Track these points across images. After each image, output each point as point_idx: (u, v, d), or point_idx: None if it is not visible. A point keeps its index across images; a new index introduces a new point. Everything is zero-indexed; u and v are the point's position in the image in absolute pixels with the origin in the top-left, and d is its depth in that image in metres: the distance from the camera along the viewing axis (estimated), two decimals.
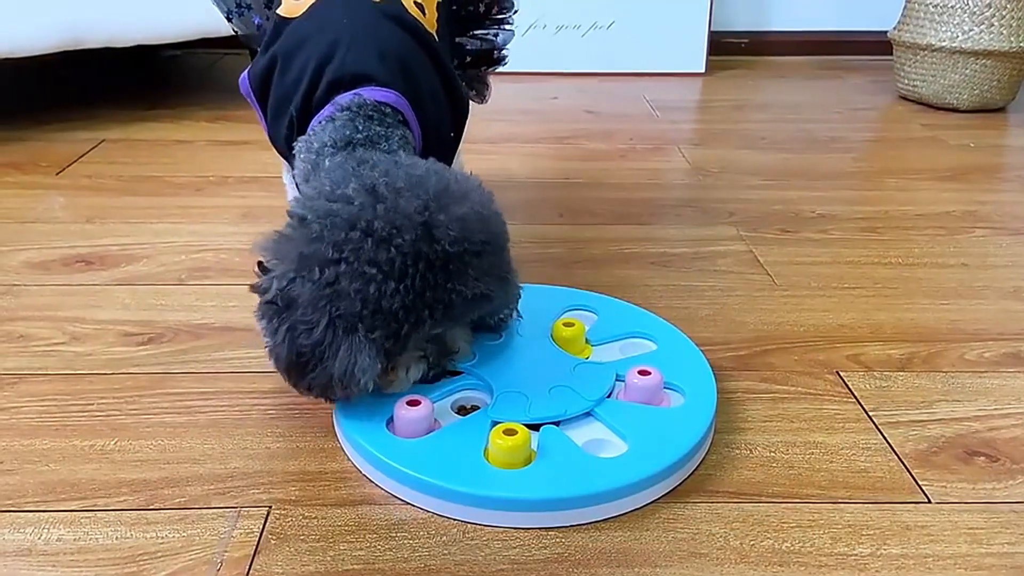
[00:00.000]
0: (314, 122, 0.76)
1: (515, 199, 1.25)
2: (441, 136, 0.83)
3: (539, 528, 0.60)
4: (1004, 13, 1.71)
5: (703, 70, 2.16)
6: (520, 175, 1.37)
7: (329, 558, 0.57)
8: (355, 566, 0.56)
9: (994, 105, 1.81)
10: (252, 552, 0.57)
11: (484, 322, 0.73)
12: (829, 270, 1.03)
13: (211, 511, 0.61)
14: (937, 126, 1.71)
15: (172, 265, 1.01)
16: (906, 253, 1.08)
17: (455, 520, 0.60)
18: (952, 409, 0.75)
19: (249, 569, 0.56)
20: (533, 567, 0.56)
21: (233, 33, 1.00)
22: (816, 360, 0.82)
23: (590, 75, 2.13)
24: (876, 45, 2.22)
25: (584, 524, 0.60)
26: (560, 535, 0.59)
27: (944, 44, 1.75)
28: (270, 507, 0.61)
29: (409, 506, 0.62)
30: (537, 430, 0.65)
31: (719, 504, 0.63)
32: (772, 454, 0.68)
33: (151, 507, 0.61)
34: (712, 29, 2.15)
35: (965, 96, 1.79)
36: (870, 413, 0.74)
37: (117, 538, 0.58)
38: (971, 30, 1.72)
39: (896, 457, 0.68)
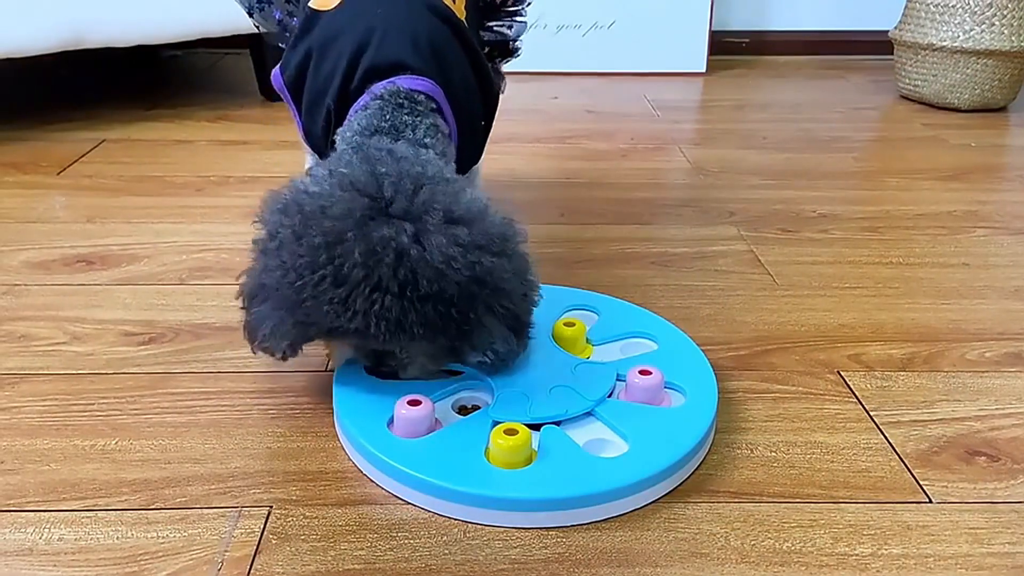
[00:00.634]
0: (351, 112, 0.76)
1: (516, 199, 1.25)
2: (474, 125, 0.83)
3: (540, 528, 0.60)
4: (1005, 13, 1.70)
5: (704, 70, 2.16)
6: (521, 175, 1.37)
7: (330, 558, 0.57)
8: (356, 566, 0.56)
9: (995, 105, 1.81)
10: (253, 552, 0.57)
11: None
12: (830, 270, 1.03)
13: (212, 511, 0.61)
14: (938, 126, 1.70)
15: (173, 265, 1.01)
16: (907, 253, 1.08)
17: (456, 520, 0.60)
18: (953, 409, 0.75)
19: (250, 569, 0.56)
20: (534, 567, 0.56)
21: (255, 29, 1.00)
22: (817, 360, 0.82)
23: (591, 75, 2.13)
24: (877, 45, 2.22)
25: (585, 524, 0.60)
26: (561, 535, 0.59)
27: (945, 44, 1.75)
28: (271, 507, 0.61)
29: (410, 506, 0.62)
30: (538, 430, 0.65)
31: (720, 504, 0.63)
32: (773, 454, 0.68)
33: (152, 507, 0.61)
34: (713, 29, 2.15)
35: (966, 96, 1.78)
36: (871, 413, 0.74)
37: (118, 538, 0.58)
38: (972, 30, 1.72)
39: (897, 457, 0.68)
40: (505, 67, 1.01)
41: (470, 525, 0.60)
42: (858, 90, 2.03)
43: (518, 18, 0.97)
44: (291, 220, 0.62)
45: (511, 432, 0.62)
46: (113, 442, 0.69)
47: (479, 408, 0.69)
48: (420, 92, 0.75)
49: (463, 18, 0.85)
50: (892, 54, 1.94)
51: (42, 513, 0.61)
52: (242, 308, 0.68)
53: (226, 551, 0.57)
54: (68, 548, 0.57)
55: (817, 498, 0.63)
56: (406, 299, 0.60)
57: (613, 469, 0.62)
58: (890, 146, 1.60)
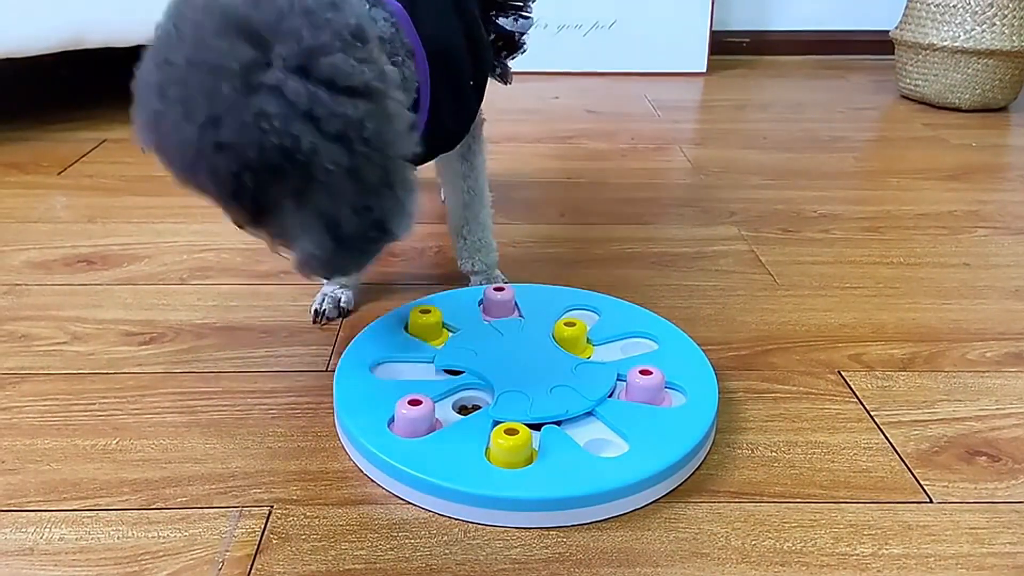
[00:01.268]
0: None
1: (517, 199, 1.25)
2: (461, 84, 0.76)
3: (541, 528, 0.60)
4: (1006, 13, 1.70)
5: (704, 70, 2.16)
6: (522, 175, 1.37)
7: (331, 557, 0.57)
8: (356, 565, 0.56)
9: (996, 105, 1.81)
10: (254, 551, 0.57)
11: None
12: (831, 270, 1.03)
13: (213, 511, 0.61)
14: (939, 126, 1.70)
15: (174, 265, 1.01)
16: (908, 253, 1.08)
17: (456, 520, 0.60)
18: (954, 409, 0.75)
19: (251, 568, 0.56)
20: (534, 567, 0.56)
21: None
22: (818, 360, 0.82)
23: (591, 75, 2.13)
24: (878, 44, 2.22)
25: (586, 524, 0.60)
26: (562, 534, 0.59)
27: (946, 44, 1.75)
28: (272, 507, 0.61)
29: (410, 506, 0.62)
30: (538, 430, 0.65)
31: (721, 504, 0.63)
32: (773, 454, 0.68)
33: (153, 506, 0.61)
34: (713, 29, 2.15)
35: (967, 96, 1.78)
36: (872, 413, 0.74)
37: (119, 537, 0.58)
38: (973, 30, 1.72)
39: (898, 457, 0.68)
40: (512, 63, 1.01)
41: (471, 525, 0.60)
42: (859, 90, 2.03)
43: (524, 13, 0.97)
44: (168, 38, 0.56)
45: (512, 432, 0.62)
46: (114, 442, 0.69)
47: (479, 408, 0.69)
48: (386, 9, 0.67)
49: None
50: (893, 54, 1.94)
51: (43, 513, 0.61)
52: None
53: (227, 551, 0.57)
54: (69, 548, 0.57)
55: (818, 498, 0.63)
56: (203, 141, 0.53)
57: (613, 469, 0.62)
58: (891, 146, 1.60)
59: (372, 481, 0.64)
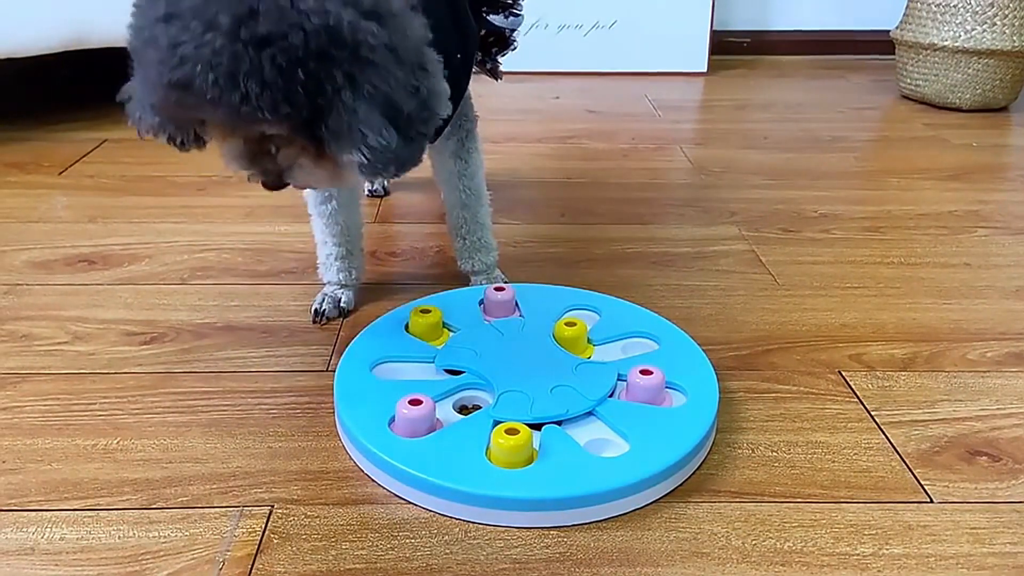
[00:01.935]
0: None
1: (517, 199, 1.25)
2: (449, 55, 0.71)
3: (541, 527, 0.60)
4: (1007, 12, 1.70)
5: (705, 69, 2.16)
6: (522, 175, 1.37)
7: (331, 557, 0.57)
8: (357, 565, 0.56)
9: (996, 104, 1.81)
10: (254, 551, 0.57)
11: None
12: (831, 270, 1.03)
13: (213, 510, 0.61)
14: (939, 125, 1.70)
15: (174, 265, 1.01)
16: (908, 253, 1.08)
17: (457, 519, 0.60)
18: (954, 409, 0.75)
19: (251, 568, 0.56)
20: (535, 566, 0.56)
21: None
22: (818, 360, 0.82)
23: (592, 74, 2.13)
24: (878, 44, 2.22)
25: (586, 523, 0.60)
26: (562, 534, 0.59)
27: (946, 43, 1.75)
28: (272, 506, 0.62)
29: (411, 505, 0.62)
30: (539, 429, 0.65)
31: (721, 504, 0.63)
32: (774, 454, 0.68)
33: (154, 506, 0.61)
34: (714, 28, 2.15)
35: (967, 96, 1.78)
36: (872, 413, 0.74)
37: (120, 537, 0.58)
38: (973, 29, 1.72)
39: (898, 457, 0.68)
40: (504, 66, 1.01)
41: (471, 524, 0.60)
42: (859, 90, 2.03)
43: (514, 10, 0.97)
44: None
45: (512, 432, 0.62)
46: (115, 442, 0.69)
47: (480, 408, 0.69)
48: None
49: None
50: (893, 54, 1.94)
51: (44, 512, 0.61)
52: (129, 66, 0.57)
53: (227, 550, 0.57)
54: (70, 547, 0.58)
55: (818, 498, 0.63)
56: (240, 42, 0.49)
57: (614, 469, 0.62)
58: (891, 146, 1.60)
59: (372, 481, 0.64)
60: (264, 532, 0.59)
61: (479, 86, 0.93)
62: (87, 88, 1.89)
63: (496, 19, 0.95)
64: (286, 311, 0.90)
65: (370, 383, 0.71)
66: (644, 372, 0.70)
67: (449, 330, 0.80)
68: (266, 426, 0.71)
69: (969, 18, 1.73)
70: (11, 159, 1.39)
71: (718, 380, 0.73)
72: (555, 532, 0.59)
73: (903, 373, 0.80)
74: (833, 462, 0.67)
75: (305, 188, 0.61)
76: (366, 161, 0.56)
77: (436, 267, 1.02)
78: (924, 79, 1.83)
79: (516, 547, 0.58)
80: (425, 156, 0.64)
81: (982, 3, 1.71)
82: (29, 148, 1.45)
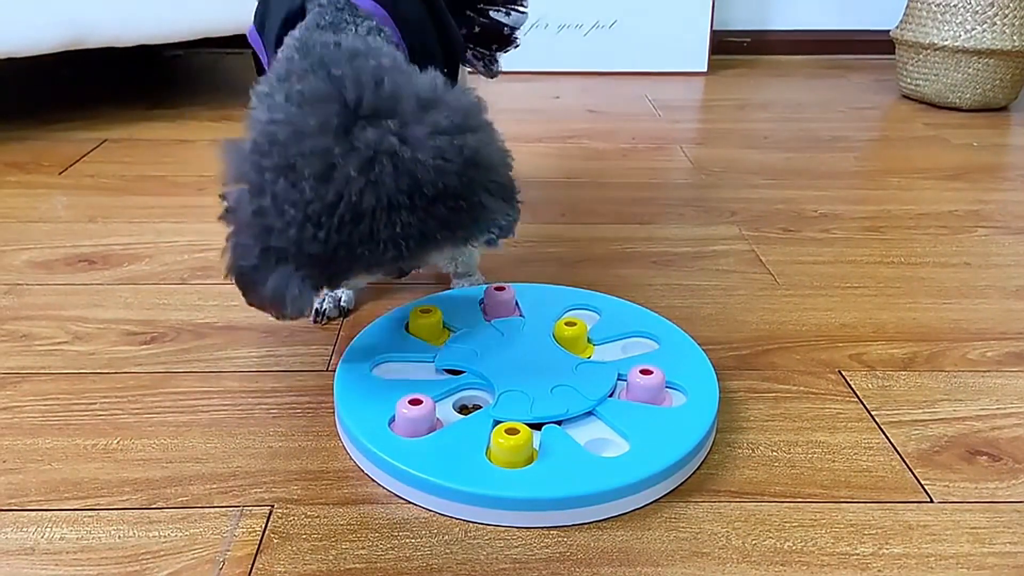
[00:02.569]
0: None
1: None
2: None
3: (541, 527, 0.60)
4: (1007, 12, 1.70)
5: (705, 69, 2.16)
6: (522, 174, 1.36)
7: (331, 557, 0.57)
8: (357, 565, 0.56)
9: (997, 104, 1.81)
10: (254, 551, 0.57)
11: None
12: (831, 269, 1.03)
13: (214, 510, 0.61)
14: (940, 125, 1.70)
15: (175, 264, 1.01)
16: (908, 252, 1.08)
17: (457, 519, 0.60)
18: (954, 408, 0.75)
19: (251, 568, 0.56)
20: (535, 566, 0.56)
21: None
22: (818, 359, 0.82)
23: (592, 74, 2.13)
24: (878, 44, 2.22)
25: (586, 523, 0.60)
26: (562, 534, 0.59)
27: (947, 43, 1.75)
28: (272, 506, 0.62)
29: (411, 505, 0.62)
30: (539, 429, 0.65)
31: (721, 503, 0.63)
32: (774, 453, 0.68)
33: (154, 506, 0.61)
34: (714, 28, 2.15)
35: (968, 95, 1.78)
36: (872, 412, 0.74)
37: (120, 537, 0.58)
38: (974, 29, 1.72)
39: (898, 456, 0.68)
40: (505, 66, 1.01)
41: (471, 524, 0.60)
42: (859, 89, 2.03)
43: (518, 7, 0.96)
44: (272, 162, 0.56)
45: (512, 431, 0.62)
46: (115, 441, 0.69)
47: (480, 408, 0.69)
48: (361, 8, 0.71)
49: None
50: (893, 53, 1.94)
51: (44, 512, 0.61)
52: (244, 284, 0.62)
53: (228, 550, 0.57)
54: (70, 547, 0.58)
55: (818, 498, 0.63)
56: (420, 209, 0.56)
57: (614, 469, 0.62)
58: (891, 146, 1.60)
59: (372, 481, 0.64)
60: (264, 532, 0.59)
61: (484, 84, 0.93)
62: (87, 88, 1.89)
63: (498, 15, 0.94)
64: None
65: (370, 383, 0.71)
66: (644, 372, 0.70)
67: (449, 330, 0.80)
68: (266, 426, 0.71)
69: (969, 18, 1.72)
70: (11, 159, 1.39)
71: (718, 380, 0.73)
72: (555, 532, 0.59)
73: (903, 373, 0.80)
74: (833, 462, 0.67)
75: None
76: (495, 237, 0.64)
77: (436, 267, 1.01)
78: (924, 79, 1.83)
79: (516, 547, 0.58)
80: None
81: (982, 3, 1.71)
82: (29, 148, 1.46)
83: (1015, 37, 1.71)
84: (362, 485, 0.64)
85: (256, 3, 0.83)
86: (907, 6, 1.87)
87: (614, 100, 1.90)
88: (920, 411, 0.74)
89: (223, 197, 0.60)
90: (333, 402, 0.71)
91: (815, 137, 1.61)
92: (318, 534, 0.59)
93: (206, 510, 0.61)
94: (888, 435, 0.71)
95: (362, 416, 0.66)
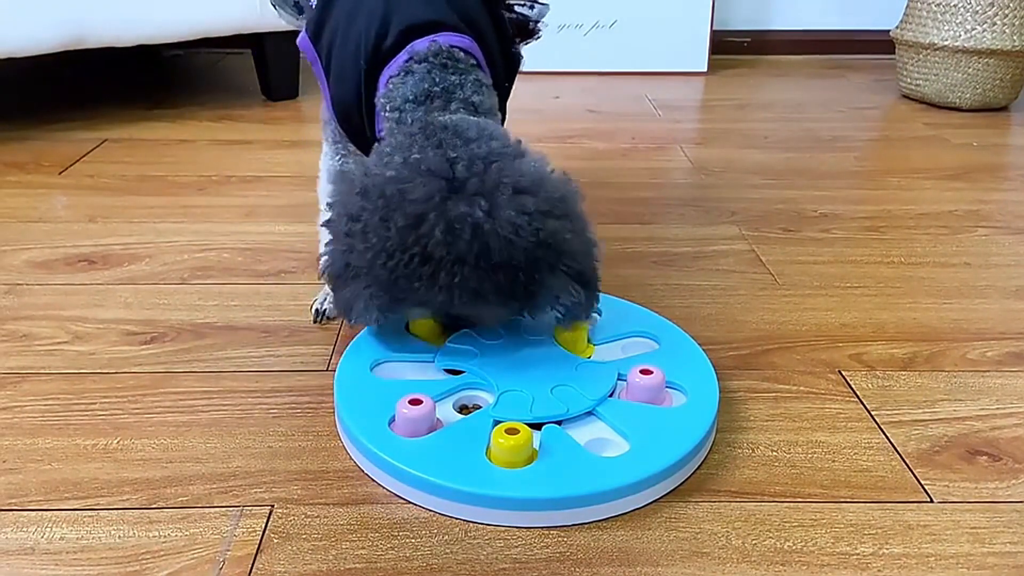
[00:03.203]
0: (388, 72, 0.77)
1: None
2: (498, 85, 0.83)
3: (541, 527, 0.60)
4: (1007, 12, 1.70)
5: (705, 69, 2.16)
6: None
7: (331, 557, 0.57)
8: (357, 565, 0.56)
9: (997, 104, 1.81)
10: (255, 551, 0.57)
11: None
12: (831, 269, 1.03)
13: (213, 510, 0.61)
14: (940, 125, 1.70)
15: (174, 264, 1.01)
16: (908, 252, 1.08)
17: (457, 519, 0.60)
18: (954, 408, 0.75)
19: (251, 568, 0.56)
20: (535, 566, 0.56)
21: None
22: (818, 359, 0.82)
23: (592, 74, 2.13)
24: (878, 44, 2.22)
25: (586, 523, 0.60)
26: (562, 534, 0.59)
27: (947, 43, 1.75)
28: (272, 506, 0.62)
29: (411, 505, 0.62)
30: (539, 429, 0.65)
31: (721, 503, 0.63)
32: (774, 453, 0.68)
33: (154, 506, 0.61)
34: (714, 28, 2.15)
35: (968, 95, 1.78)
36: (872, 412, 0.74)
37: (120, 537, 0.58)
38: (974, 29, 1.72)
39: (898, 456, 0.68)
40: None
41: (471, 524, 0.60)
42: (859, 89, 2.03)
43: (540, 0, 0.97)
44: (373, 204, 0.66)
45: (512, 431, 0.62)
46: (115, 441, 0.69)
47: (479, 407, 0.69)
48: (460, 49, 0.76)
49: None
50: (893, 53, 1.94)
51: (44, 512, 0.61)
52: (331, 286, 0.73)
53: (228, 550, 0.57)
54: (70, 547, 0.58)
55: (818, 497, 0.63)
56: (481, 269, 0.64)
57: (614, 469, 0.62)
58: (891, 145, 1.60)
59: (373, 481, 0.64)
60: (264, 532, 0.59)
61: None
62: (87, 88, 1.89)
63: (522, 9, 0.95)
64: (286, 311, 0.90)
65: (370, 383, 0.71)
66: (644, 372, 0.70)
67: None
68: (266, 426, 0.71)
69: (969, 18, 1.73)
70: (11, 159, 1.39)
71: (718, 380, 0.73)
72: (555, 532, 0.59)
73: (903, 373, 0.80)
74: (833, 462, 0.67)
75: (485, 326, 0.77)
76: (560, 316, 0.70)
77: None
78: (924, 79, 1.83)
79: (516, 547, 0.58)
80: None
81: (982, 3, 1.71)
82: (29, 148, 1.46)
83: (1015, 37, 1.71)
84: (362, 485, 0.64)
85: (312, 10, 0.86)
86: (907, 6, 1.87)
87: (614, 100, 1.90)
88: (920, 411, 0.74)
89: (329, 206, 0.72)
90: (333, 402, 0.71)
91: (815, 137, 1.61)
92: (318, 534, 0.59)
93: (206, 510, 0.61)
94: (888, 435, 0.71)
95: (362, 416, 0.66)
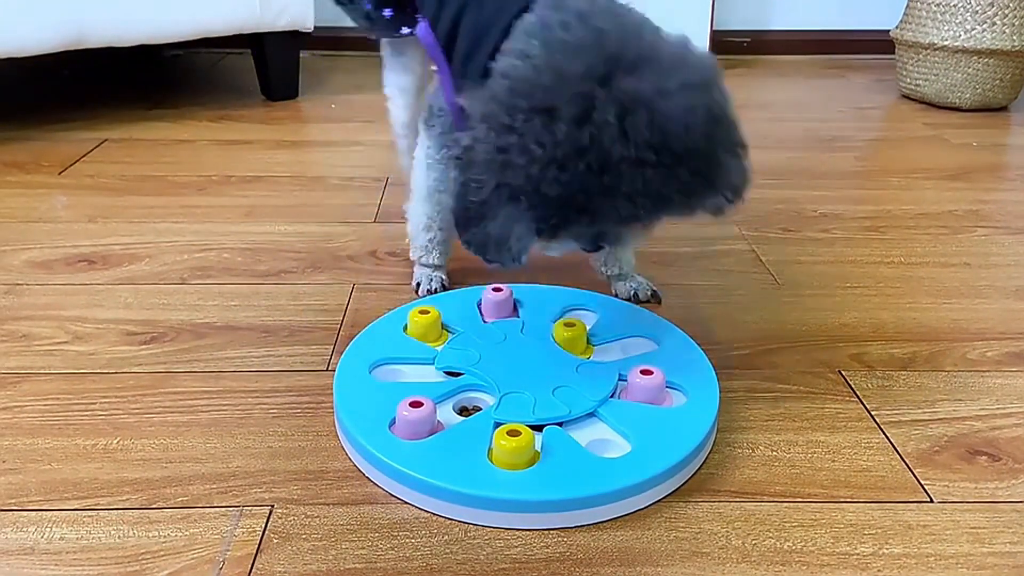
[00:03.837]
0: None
1: None
2: None
3: (542, 528, 0.60)
4: (1006, 12, 1.70)
5: None
6: None
7: (331, 557, 0.57)
8: (357, 565, 0.56)
9: (996, 104, 1.81)
10: (254, 551, 0.57)
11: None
12: (831, 269, 1.03)
13: (213, 510, 0.61)
14: (940, 125, 1.70)
15: (174, 264, 1.01)
16: (908, 252, 1.08)
17: (457, 519, 0.60)
18: (954, 408, 0.75)
19: (251, 568, 0.56)
20: (535, 566, 0.56)
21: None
22: (818, 359, 0.82)
23: None
24: (878, 44, 2.21)
25: (587, 523, 0.60)
26: (562, 534, 0.59)
27: (946, 43, 1.75)
28: (272, 506, 0.61)
29: (411, 505, 0.62)
30: (540, 431, 0.65)
31: (721, 503, 0.63)
32: (774, 453, 0.68)
33: (153, 506, 0.61)
34: (714, 28, 2.15)
35: (967, 95, 1.78)
36: (872, 412, 0.74)
37: (120, 537, 0.58)
38: (973, 29, 1.72)
39: (898, 456, 0.68)
40: None
41: (471, 524, 0.60)
42: (859, 89, 2.03)
43: None
44: (529, 103, 0.57)
45: (514, 433, 0.62)
46: (114, 441, 0.69)
47: (479, 409, 0.69)
48: None
49: None
50: (893, 53, 1.93)
51: (44, 512, 0.61)
52: (469, 220, 0.62)
53: (227, 550, 0.57)
54: (70, 547, 0.58)
55: (818, 497, 0.63)
56: (664, 166, 0.57)
57: (616, 469, 0.62)
58: (891, 145, 1.60)
59: (373, 481, 0.64)
60: (264, 532, 0.59)
61: None
62: (87, 88, 1.89)
63: None
64: (286, 311, 0.90)
65: (370, 385, 0.71)
66: (645, 372, 0.70)
67: (448, 331, 0.80)
68: (266, 426, 0.71)
69: (969, 18, 1.72)
70: (11, 159, 1.39)
71: (718, 380, 0.73)
72: (555, 532, 0.59)
73: (903, 373, 0.80)
74: (833, 462, 0.67)
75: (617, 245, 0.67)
76: (727, 201, 0.64)
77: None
78: (924, 79, 1.83)
79: (516, 547, 0.58)
80: None
81: (982, 3, 1.71)
82: (29, 148, 1.45)
83: (1015, 37, 1.71)
84: (362, 485, 0.64)
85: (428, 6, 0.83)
86: (907, 6, 1.87)
87: None
88: (920, 411, 0.74)
89: (455, 140, 0.63)
90: (333, 402, 0.71)
91: (815, 137, 1.61)
92: (318, 534, 0.59)
93: (206, 510, 0.61)
94: (888, 435, 0.71)
95: (363, 419, 0.66)
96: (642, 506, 0.62)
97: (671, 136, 0.56)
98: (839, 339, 0.86)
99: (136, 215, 1.16)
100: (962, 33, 1.73)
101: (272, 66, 1.78)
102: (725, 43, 2.31)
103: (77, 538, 0.58)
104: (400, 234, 0.97)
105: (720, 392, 0.71)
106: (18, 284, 0.96)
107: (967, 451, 0.69)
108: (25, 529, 0.59)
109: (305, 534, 0.59)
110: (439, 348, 0.76)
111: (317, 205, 1.21)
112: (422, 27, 0.84)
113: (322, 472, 0.65)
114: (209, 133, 1.57)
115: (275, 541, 0.58)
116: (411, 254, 0.95)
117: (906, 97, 1.92)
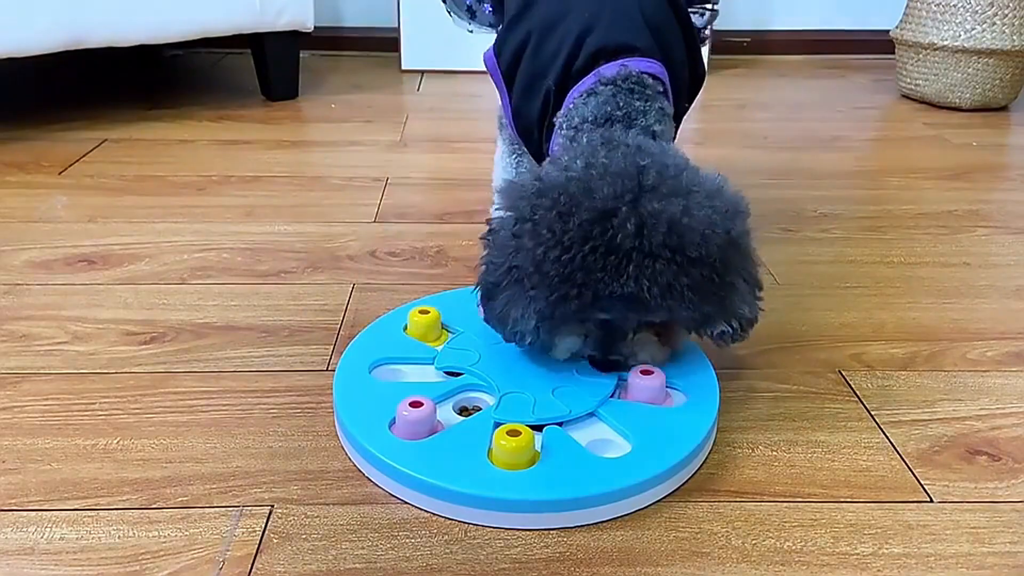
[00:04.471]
0: (573, 94, 0.76)
1: None
2: (679, 106, 0.82)
3: (542, 528, 0.60)
4: (1006, 12, 1.70)
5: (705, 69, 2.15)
6: None
7: (331, 557, 0.57)
8: (357, 565, 0.56)
9: (996, 104, 1.81)
10: (254, 551, 0.57)
11: (696, 331, 0.69)
12: (831, 269, 1.03)
13: (213, 510, 0.61)
14: (939, 125, 1.70)
15: (174, 264, 1.01)
16: (908, 252, 1.08)
17: (457, 519, 0.60)
18: (954, 408, 0.75)
19: (251, 568, 0.56)
20: (535, 566, 0.56)
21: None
22: (818, 359, 0.82)
23: None
24: (878, 44, 2.22)
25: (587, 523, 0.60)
26: (562, 534, 0.59)
27: (946, 43, 1.75)
28: (272, 506, 0.62)
29: (411, 505, 0.62)
30: (540, 431, 0.65)
31: (721, 503, 0.63)
32: (774, 453, 0.68)
33: (153, 506, 0.61)
34: (714, 28, 2.15)
35: (967, 95, 1.78)
36: (872, 412, 0.74)
37: (120, 537, 0.58)
38: (973, 29, 1.72)
39: (898, 456, 0.68)
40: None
41: (471, 524, 0.60)
42: (859, 89, 2.03)
43: (709, 6, 0.97)
44: (551, 201, 0.62)
45: (514, 433, 0.62)
46: (114, 441, 0.69)
47: (479, 409, 0.69)
48: (649, 75, 0.75)
49: None
50: (893, 53, 1.94)
51: (44, 512, 0.61)
52: (484, 299, 0.68)
53: (227, 550, 0.57)
54: (69, 547, 0.58)
55: (818, 497, 0.63)
56: (676, 263, 0.61)
57: (616, 469, 0.62)
58: (891, 145, 1.60)
59: (372, 481, 0.64)
60: (264, 532, 0.59)
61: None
62: (87, 88, 1.89)
63: (694, 17, 0.95)
64: (286, 311, 0.90)
65: (370, 385, 0.71)
66: (645, 372, 0.70)
67: (448, 331, 0.80)
68: (266, 426, 0.71)
69: (969, 17, 1.73)
70: (11, 159, 1.39)
71: (718, 379, 0.73)
72: (555, 532, 0.59)
73: (903, 372, 0.80)
74: (833, 461, 0.67)
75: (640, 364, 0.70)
76: (731, 331, 0.67)
77: (436, 267, 1.02)
78: (924, 79, 1.83)
79: (516, 547, 0.58)
80: None
81: (982, 3, 1.71)
82: (29, 148, 1.45)
83: (1015, 37, 1.71)
84: (362, 485, 0.64)
85: (504, 30, 0.86)
86: (907, 6, 1.87)
87: None
88: (920, 411, 0.74)
89: (488, 222, 0.69)
90: (333, 402, 0.71)
91: (815, 137, 1.61)
92: (318, 534, 0.59)
93: (206, 510, 0.61)
94: (888, 435, 0.71)
95: (362, 419, 0.66)
96: (642, 506, 0.62)
97: (688, 242, 0.60)
98: (839, 339, 0.86)
99: (136, 215, 1.16)
100: (962, 33, 1.73)
101: (272, 66, 1.78)
102: (725, 43, 2.31)
103: (77, 538, 0.58)
104: (400, 234, 0.97)
105: (720, 392, 0.71)
106: (18, 284, 0.96)
107: (967, 451, 0.69)
108: (25, 529, 0.59)
109: (305, 534, 0.59)
110: (439, 348, 0.76)
111: (317, 205, 1.21)
112: (488, 53, 0.86)
113: (322, 472, 0.65)
114: (209, 133, 1.57)
115: (275, 541, 0.58)
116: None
117: (906, 97, 1.92)
